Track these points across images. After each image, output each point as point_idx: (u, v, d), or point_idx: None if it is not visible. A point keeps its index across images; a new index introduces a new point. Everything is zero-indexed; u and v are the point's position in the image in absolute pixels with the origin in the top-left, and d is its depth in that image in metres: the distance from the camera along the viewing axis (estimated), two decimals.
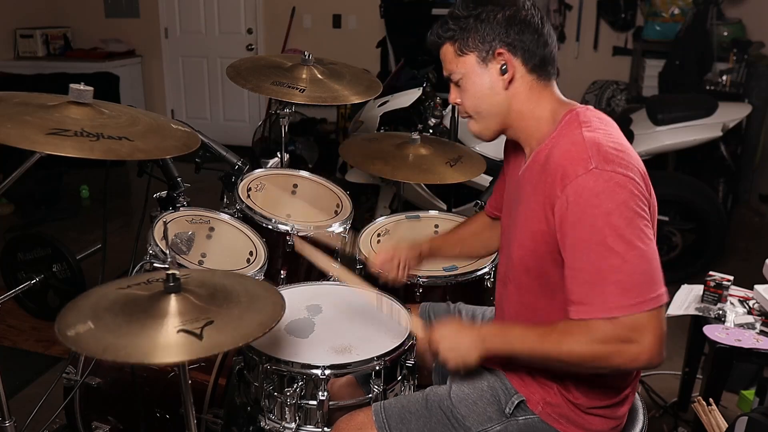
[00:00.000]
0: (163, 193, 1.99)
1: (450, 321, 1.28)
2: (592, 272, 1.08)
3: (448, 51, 1.27)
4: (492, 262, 1.90)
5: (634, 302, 1.06)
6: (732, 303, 2.10)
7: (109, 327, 1.06)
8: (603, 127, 1.18)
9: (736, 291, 2.16)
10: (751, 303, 2.09)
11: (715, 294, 2.10)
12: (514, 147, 1.38)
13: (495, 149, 3.32)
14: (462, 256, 1.76)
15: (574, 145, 1.13)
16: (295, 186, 2.22)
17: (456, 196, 3.25)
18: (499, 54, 1.22)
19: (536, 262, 1.21)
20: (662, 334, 1.08)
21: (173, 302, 1.10)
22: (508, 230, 1.33)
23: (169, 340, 1.03)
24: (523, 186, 1.27)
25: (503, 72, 1.23)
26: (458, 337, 1.24)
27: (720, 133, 3.37)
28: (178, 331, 1.05)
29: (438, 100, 3.44)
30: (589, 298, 1.09)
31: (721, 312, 2.05)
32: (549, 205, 1.14)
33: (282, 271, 1.98)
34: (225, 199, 2.15)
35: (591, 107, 1.26)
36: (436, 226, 2.16)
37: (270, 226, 1.94)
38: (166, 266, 1.12)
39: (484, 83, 1.25)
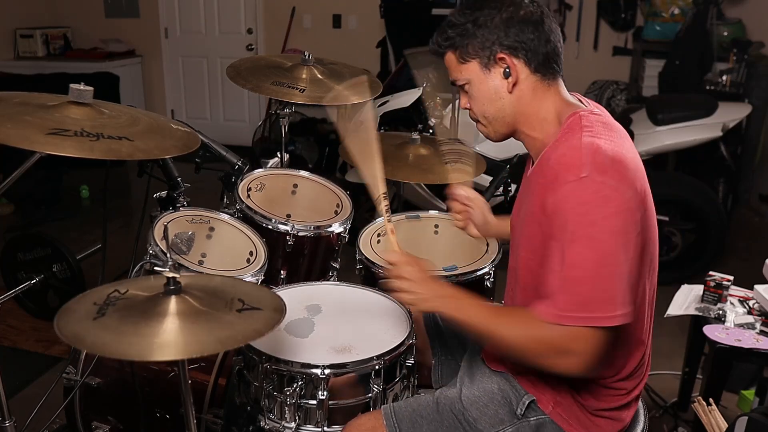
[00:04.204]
0: (163, 193, 1.99)
1: (419, 264, 1.28)
2: (560, 277, 1.09)
3: (450, 59, 1.26)
4: (492, 262, 1.90)
5: (584, 315, 1.06)
6: (732, 303, 2.10)
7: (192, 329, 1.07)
8: (605, 133, 1.15)
9: (736, 291, 2.16)
10: (751, 303, 2.10)
11: (715, 294, 2.10)
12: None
13: (495, 149, 3.32)
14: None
15: (570, 150, 1.12)
16: (295, 186, 2.22)
17: None
18: (500, 58, 1.20)
19: (536, 263, 1.21)
20: (601, 354, 1.08)
21: (175, 301, 1.11)
22: (517, 230, 1.33)
23: (240, 321, 1.10)
24: (528, 188, 1.27)
25: (506, 76, 1.21)
26: (420, 284, 1.25)
27: (720, 133, 3.37)
28: (238, 311, 1.11)
29: (438, 100, 3.44)
30: (550, 299, 1.10)
31: (721, 312, 2.05)
32: (541, 209, 1.14)
33: (282, 271, 1.99)
34: (225, 199, 2.15)
35: (598, 110, 1.23)
36: (436, 226, 2.16)
37: (270, 226, 1.94)
38: (166, 269, 1.12)
39: (489, 88, 1.23)
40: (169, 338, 1.03)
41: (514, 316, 1.18)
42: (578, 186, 1.07)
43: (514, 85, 1.22)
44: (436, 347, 1.61)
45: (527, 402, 1.28)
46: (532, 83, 1.22)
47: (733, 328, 1.97)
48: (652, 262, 1.22)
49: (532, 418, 1.29)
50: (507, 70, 1.21)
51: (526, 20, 1.19)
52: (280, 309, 1.17)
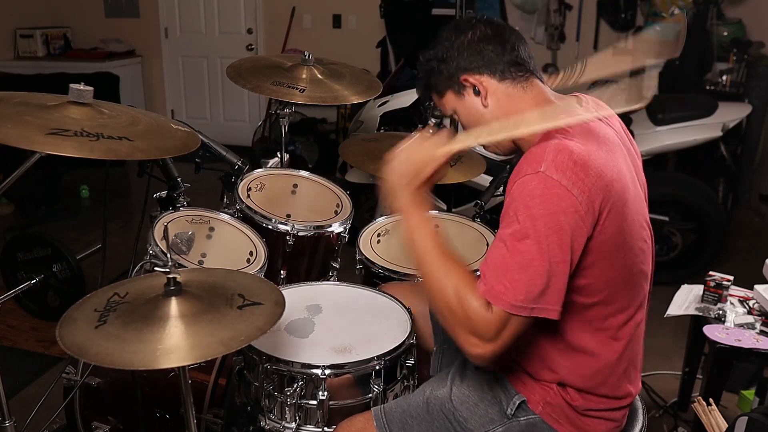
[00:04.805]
0: (163, 193, 1.99)
1: (416, 167, 1.30)
2: (498, 261, 1.09)
3: (434, 98, 1.34)
4: None
5: (507, 300, 1.06)
6: (732, 303, 2.10)
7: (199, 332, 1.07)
8: (582, 137, 1.15)
9: (736, 291, 2.16)
10: (751, 303, 2.10)
11: (715, 294, 2.10)
12: None
13: None
14: None
15: (539, 148, 1.13)
16: (295, 186, 2.23)
17: (456, 196, 3.24)
18: (464, 80, 1.26)
19: None
20: (510, 341, 1.09)
21: (175, 303, 1.10)
22: None
23: (242, 319, 1.10)
24: None
25: (477, 93, 1.26)
26: (404, 178, 1.29)
27: (720, 133, 3.37)
28: (240, 307, 1.12)
29: None
30: (484, 275, 1.11)
31: (721, 312, 2.05)
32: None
33: (282, 271, 1.99)
34: (225, 199, 2.15)
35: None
36: (436, 226, 2.16)
37: (270, 226, 1.94)
38: (166, 269, 1.12)
39: (470, 110, 1.29)
40: (172, 344, 1.03)
41: (459, 269, 1.15)
42: (532, 179, 1.09)
43: (486, 97, 1.26)
44: (438, 333, 1.61)
45: (517, 402, 1.28)
46: (505, 90, 1.26)
47: (733, 328, 1.97)
48: (637, 284, 1.23)
49: (522, 418, 1.29)
50: (475, 88, 1.26)
51: (477, 39, 1.25)
52: (281, 302, 1.17)
